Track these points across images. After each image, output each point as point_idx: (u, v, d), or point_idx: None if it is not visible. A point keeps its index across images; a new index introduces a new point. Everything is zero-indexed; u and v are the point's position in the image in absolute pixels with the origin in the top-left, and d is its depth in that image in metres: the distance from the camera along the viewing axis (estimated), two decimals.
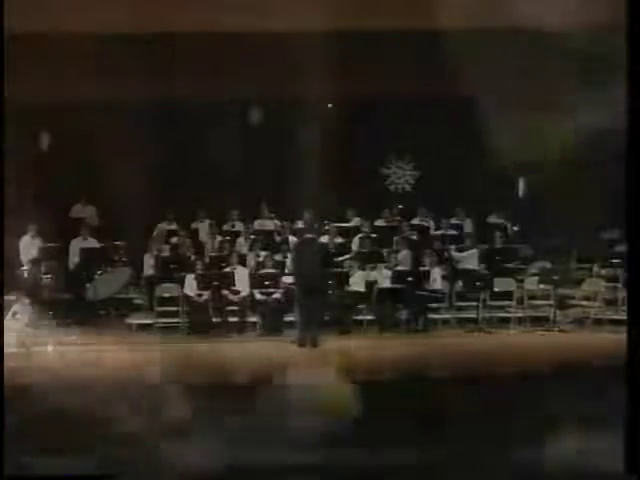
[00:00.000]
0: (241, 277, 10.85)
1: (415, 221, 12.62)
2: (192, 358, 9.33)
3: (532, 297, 11.02)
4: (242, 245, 11.96)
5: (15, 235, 11.26)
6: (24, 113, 10.51)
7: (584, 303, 11.03)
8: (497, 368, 8.61)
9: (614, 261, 11.11)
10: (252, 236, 12.08)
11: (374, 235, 11.97)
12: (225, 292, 10.68)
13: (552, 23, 10.10)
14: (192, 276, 10.76)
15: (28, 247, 11.59)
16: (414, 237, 12.07)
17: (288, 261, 11.25)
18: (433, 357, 9.30)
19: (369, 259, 11.38)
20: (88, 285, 10.95)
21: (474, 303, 10.99)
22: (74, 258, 11.54)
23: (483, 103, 11.81)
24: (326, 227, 12.15)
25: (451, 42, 11.22)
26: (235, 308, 10.73)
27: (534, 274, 11.26)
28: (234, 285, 10.73)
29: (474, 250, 11.61)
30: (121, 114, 12.03)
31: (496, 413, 6.24)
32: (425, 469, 5.18)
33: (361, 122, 13.10)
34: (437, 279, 10.99)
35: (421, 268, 11.14)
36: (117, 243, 11.60)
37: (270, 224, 12.52)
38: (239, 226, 12.50)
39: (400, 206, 12.99)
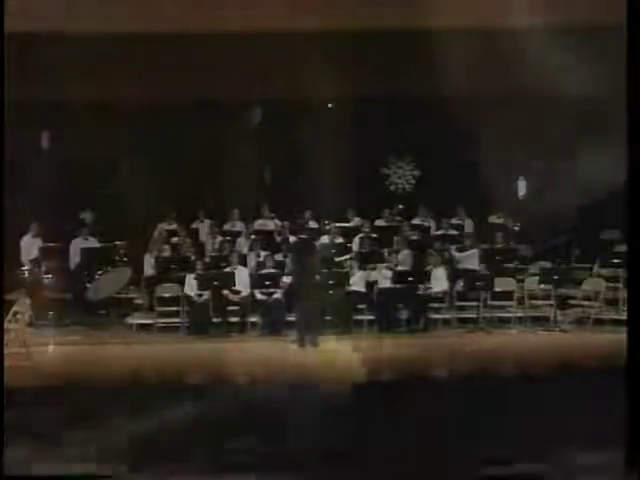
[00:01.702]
0: (241, 277, 10.85)
1: (415, 221, 12.61)
2: (192, 358, 9.36)
3: (532, 297, 11.01)
4: (242, 245, 11.95)
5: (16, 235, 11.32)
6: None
7: (584, 303, 11.02)
8: (497, 368, 8.62)
9: (614, 261, 11.09)
10: (252, 236, 12.08)
11: (374, 235, 11.97)
12: (225, 292, 10.67)
13: None
14: (192, 276, 10.75)
15: (29, 247, 11.59)
16: (414, 237, 12.05)
17: (288, 261, 11.26)
18: (433, 357, 9.31)
19: (369, 259, 11.38)
20: (88, 285, 10.95)
21: (474, 303, 10.98)
22: (74, 258, 11.53)
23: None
24: (326, 227, 12.14)
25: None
26: (235, 308, 10.72)
27: (534, 274, 11.25)
28: (234, 285, 10.73)
29: (474, 250, 11.60)
30: (119, 114, 12.07)
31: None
32: None
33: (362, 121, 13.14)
34: (438, 279, 10.99)
35: (421, 268, 11.14)
36: (117, 243, 11.59)
37: (270, 224, 12.52)
38: (239, 226, 12.49)
39: (400, 206, 12.99)
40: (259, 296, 10.76)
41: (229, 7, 10.50)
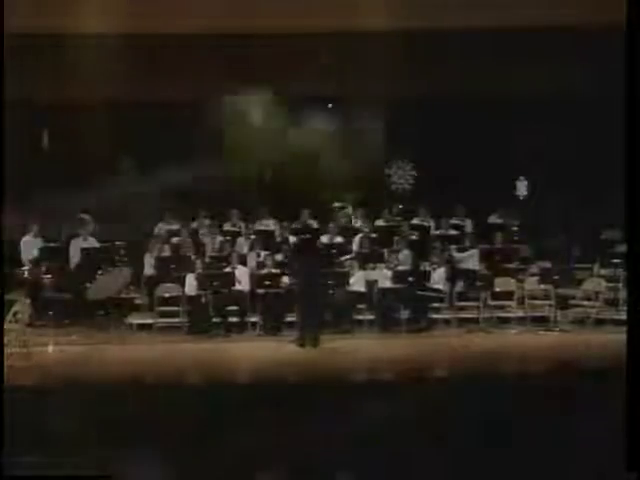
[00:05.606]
0: (242, 277, 10.85)
1: (415, 221, 12.59)
2: (192, 358, 9.36)
3: (532, 297, 11.01)
4: (242, 245, 11.94)
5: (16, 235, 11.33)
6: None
7: (584, 303, 11.02)
8: (497, 368, 8.63)
9: (614, 261, 11.08)
10: (252, 236, 12.06)
11: (374, 235, 11.96)
12: (225, 292, 10.66)
13: None
14: (192, 276, 10.75)
15: (29, 247, 11.59)
16: (414, 237, 12.04)
17: (289, 261, 11.26)
18: (434, 357, 9.32)
19: (369, 259, 11.37)
20: (88, 285, 10.94)
21: (475, 303, 10.98)
22: (74, 258, 11.52)
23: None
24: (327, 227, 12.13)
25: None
26: (235, 308, 10.72)
27: (534, 274, 11.25)
28: (234, 285, 10.73)
29: (474, 250, 11.59)
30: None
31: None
32: None
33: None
34: (438, 279, 10.99)
35: (421, 268, 11.14)
36: (117, 243, 11.57)
37: (270, 224, 12.50)
38: (240, 226, 12.48)
39: (400, 206, 12.97)
40: (259, 296, 10.75)
41: None
